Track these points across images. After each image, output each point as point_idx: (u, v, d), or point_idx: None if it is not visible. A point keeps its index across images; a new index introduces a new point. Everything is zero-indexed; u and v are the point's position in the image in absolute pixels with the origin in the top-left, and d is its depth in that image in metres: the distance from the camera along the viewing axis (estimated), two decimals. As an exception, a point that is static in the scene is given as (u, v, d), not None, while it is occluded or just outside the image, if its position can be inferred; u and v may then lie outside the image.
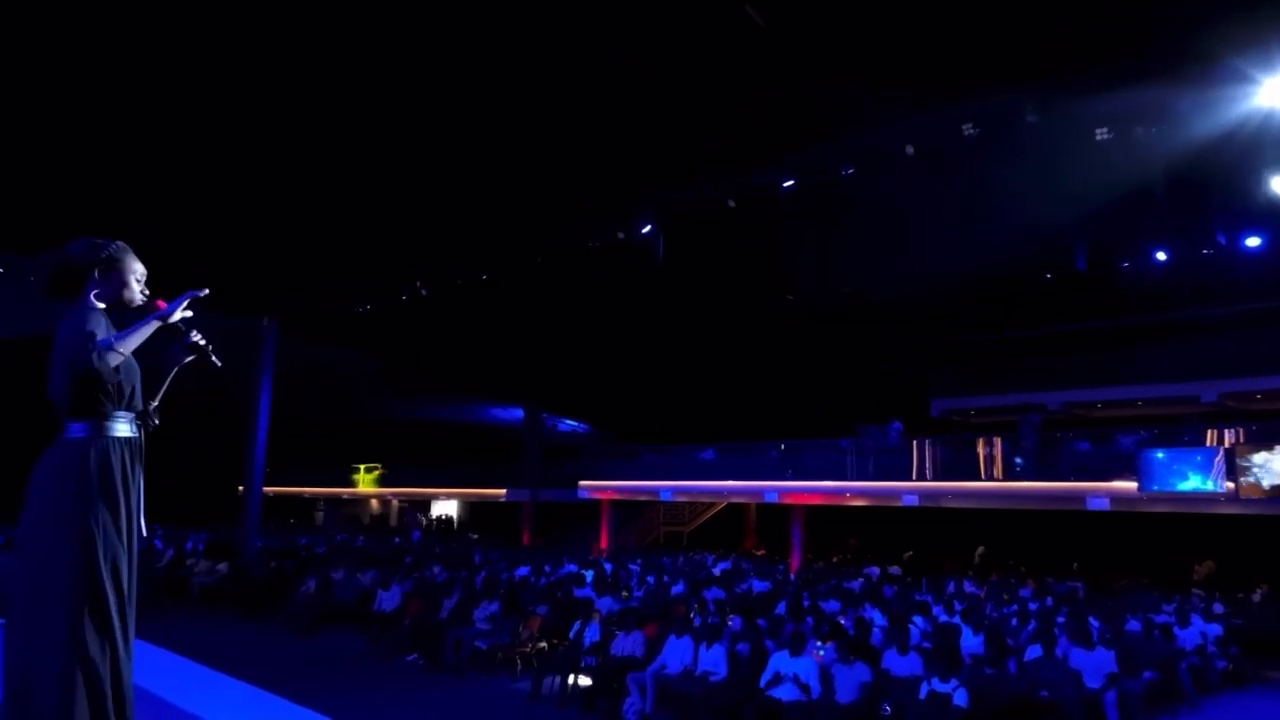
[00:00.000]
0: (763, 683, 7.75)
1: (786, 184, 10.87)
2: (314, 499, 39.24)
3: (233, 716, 3.45)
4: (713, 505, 27.19)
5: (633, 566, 18.37)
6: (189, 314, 2.91)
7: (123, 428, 2.76)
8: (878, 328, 20.85)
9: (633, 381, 25.50)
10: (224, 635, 12.88)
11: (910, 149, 9.55)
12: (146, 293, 2.92)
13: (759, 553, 25.30)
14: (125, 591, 2.62)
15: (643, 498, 24.34)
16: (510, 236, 13.87)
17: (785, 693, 7.48)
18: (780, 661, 7.82)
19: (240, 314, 20.76)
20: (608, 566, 17.80)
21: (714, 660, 8.48)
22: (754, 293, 17.62)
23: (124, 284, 2.86)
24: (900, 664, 7.96)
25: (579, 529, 26.62)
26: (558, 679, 9.44)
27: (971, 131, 9.04)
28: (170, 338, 2.95)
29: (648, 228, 12.32)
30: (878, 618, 10.98)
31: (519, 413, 29.23)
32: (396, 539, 29.95)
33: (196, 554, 19.70)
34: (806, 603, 11.80)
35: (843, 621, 10.13)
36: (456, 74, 11.61)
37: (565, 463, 26.94)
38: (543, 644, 10.96)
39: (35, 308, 21.94)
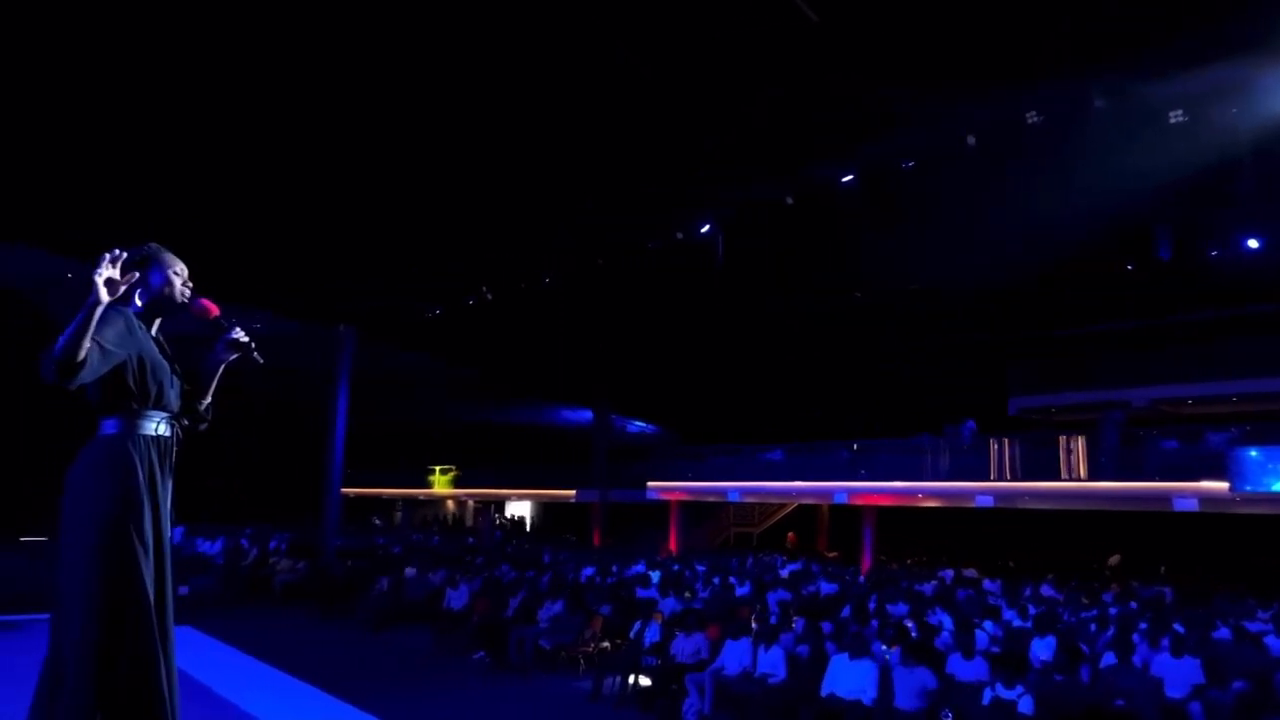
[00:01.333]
0: (822, 686, 7.63)
1: (845, 179, 10.68)
2: (393, 500, 40.30)
3: (281, 712, 3.56)
4: (783, 506, 26.91)
5: (700, 567, 18.31)
6: (237, 332, 3.01)
7: (152, 425, 2.83)
8: (951, 324, 20.33)
9: (701, 382, 25.45)
10: (302, 631, 13.36)
11: (972, 139, 9.27)
12: (190, 287, 3.01)
13: (831, 555, 24.94)
14: (154, 587, 2.69)
15: (710, 499, 24.24)
16: (570, 240, 14.00)
17: (846, 695, 7.36)
18: (840, 664, 7.70)
19: (318, 321, 21.52)
20: (674, 567, 17.80)
21: (772, 662, 8.40)
22: (820, 290, 17.41)
23: (166, 281, 2.94)
24: (965, 669, 7.74)
25: (649, 530, 26.70)
26: (618, 679, 9.47)
27: (1036, 119, 8.72)
28: (214, 336, 3.06)
29: (706, 227, 12.27)
30: (947, 622, 10.71)
31: (588, 414, 29.48)
32: (470, 539, 30.53)
33: (279, 553, 20.45)
34: (873, 606, 11.58)
35: (909, 625, 9.91)
36: (520, 83, 11.78)
37: (634, 464, 27.03)
38: (605, 644, 11.02)
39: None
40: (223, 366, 3.10)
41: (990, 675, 7.13)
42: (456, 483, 34.48)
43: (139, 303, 2.92)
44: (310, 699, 3.84)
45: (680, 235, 12.60)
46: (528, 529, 38.54)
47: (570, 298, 16.88)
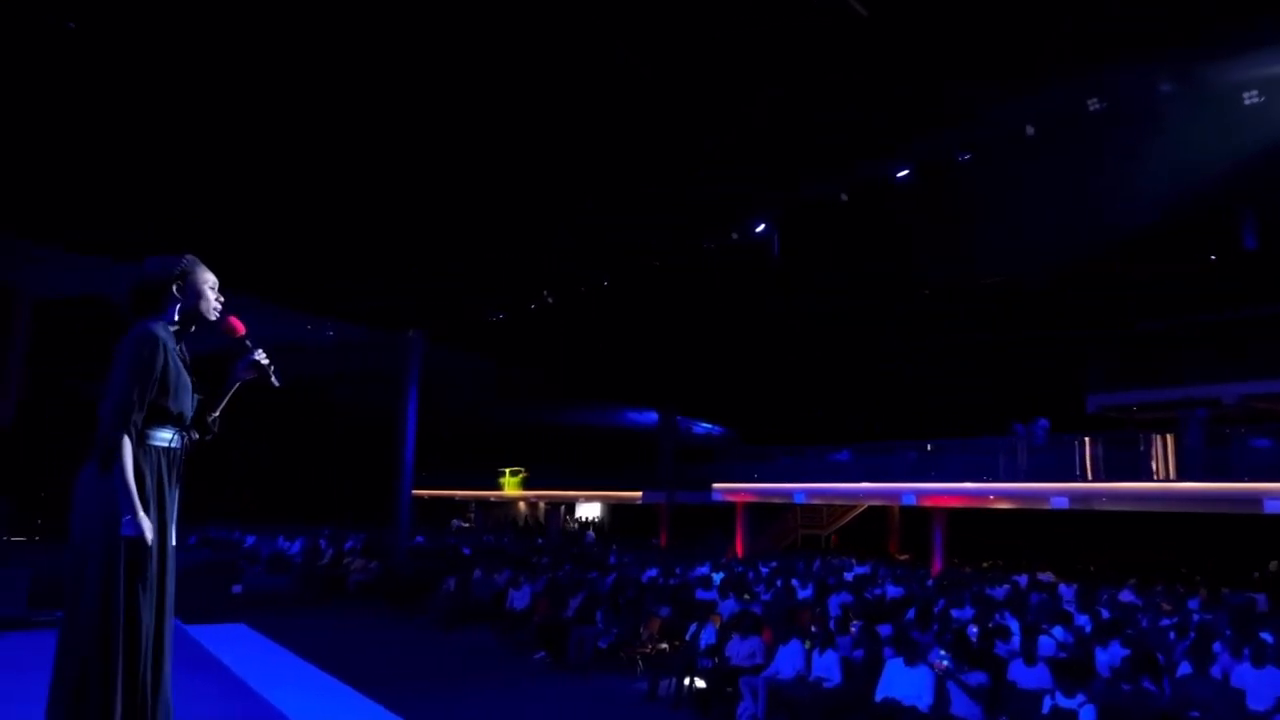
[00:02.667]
0: (876, 691, 7.50)
1: (901, 174, 10.46)
2: (466, 502, 41.12)
3: (313, 712, 3.68)
4: (853, 508, 26.47)
5: (764, 569, 18.17)
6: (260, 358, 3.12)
7: (164, 437, 2.93)
8: (1024, 320, 19.69)
9: (766, 382, 25.24)
10: (370, 630, 13.75)
11: (1031, 129, 8.97)
12: (221, 302, 3.11)
13: (902, 557, 24.43)
14: (157, 590, 2.81)
15: (776, 500, 24.01)
16: (626, 242, 14.07)
17: (902, 700, 7.22)
18: (895, 669, 7.54)
19: (387, 327, 22.12)
20: (738, 569, 17.71)
21: (827, 666, 8.29)
22: (882, 286, 17.09)
23: (200, 295, 3.02)
24: (1027, 675, 7.49)
25: (716, 531, 26.61)
26: (674, 680, 9.48)
27: (1098, 107, 8.39)
28: (236, 354, 3.14)
29: (761, 226, 12.17)
30: (1015, 627, 10.39)
31: (653, 416, 29.56)
32: (539, 539, 30.95)
33: (354, 553, 21.08)
34: (938, 609, 11.31)
35: (973, 630, 9.65)
36: (572, 84, 11.90)
37: (699, 465, 26.98)
38: (663, 645, 11.04)
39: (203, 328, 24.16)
40: (238, 384, 3.19)
41: (1052, 683, 6.88)
42: (526, 485, 35.00)
43: (171, 315, 3.00)
44: (346, 699, 3.96)
45: (735, 235, 12.53)
46: (597, 530, 38.83)
47: (629, 300, 16.95)
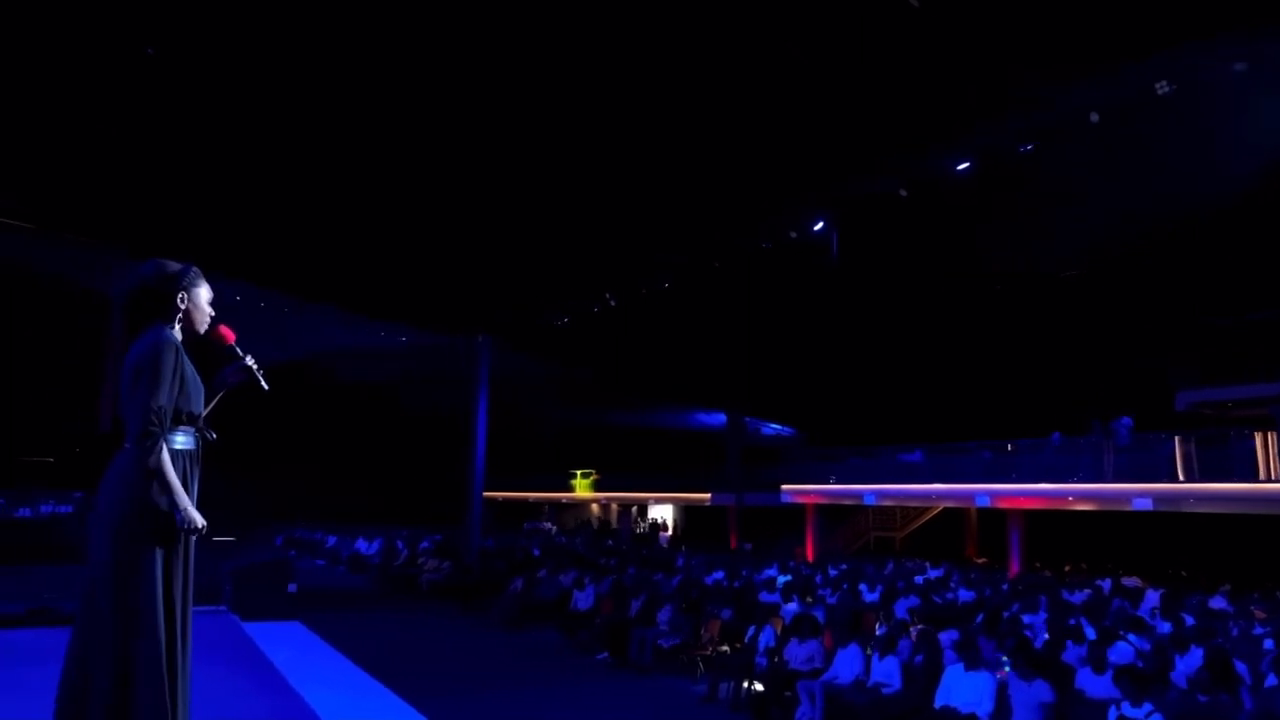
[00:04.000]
0: (936, 697, 7.32)
1: (961, 167, 10.19)
2: (539, 504, 41.69)
3: (346, 711, 3.79)
4: (927, 510, 25.83)
5: (833, 572, 17.89)
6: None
7: (181, 439, 3.06)
8: (1106, 313, 18.91)
9: (835, 382, 24.87)
10: (437, 628, 14.06)
11: (1095, 116, 8.62)
12: (213, 314, 3.26)
13: (979, 561, 23.73)
14: (178, 588, 2.94)
15: (845, 502, 23.60)
16: (685, 244, 14.06)
17: (962, 707, 7.03)
18: (955, 675, 7.35)
19: (457, 332, 22.63)
20: (805, 572, 17.48)
21: (887, 671, 8.12)
22: (954, 281, 16.67)
23: (198, 307, 3.17)
24: (1095, 684, 7.20)
25: (786, 533, 26.34)
26: (733, 683, 9.42)
27: (1166, 89, 8.00)
28: (227, 360, 3.27)
29: (820, 224, 12.01)
30: (1090, 634, 10.00)
31: (722, 417, 29.43)
32: (609, 541, 31.13)
33: (427, 553, 21.59)
34: (1008, 615, 10.96)
35: (1044, 637, 9.33)
36: (634, 93, 11.99)
37: (768, 466, 26.72)
38: (724, 647, 10.98)
39: (285, 337, 25.15)
40: (226, 388, 3.32)
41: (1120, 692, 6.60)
42: (596, 487, 35.27)
43: (178, 323, 3.16)
44: (379, 699, 4.08)
45: (794, 234, 12.39)
46: (668, 532, 38.84)
47: (691, 302, 16.94)
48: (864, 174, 11.15)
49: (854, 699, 7.91)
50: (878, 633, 10.35)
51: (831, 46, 10.25)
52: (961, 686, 7.22)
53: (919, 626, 10.41)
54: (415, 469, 36.45)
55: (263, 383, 3.33)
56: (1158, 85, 7.94)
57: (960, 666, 7.34)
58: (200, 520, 2.97)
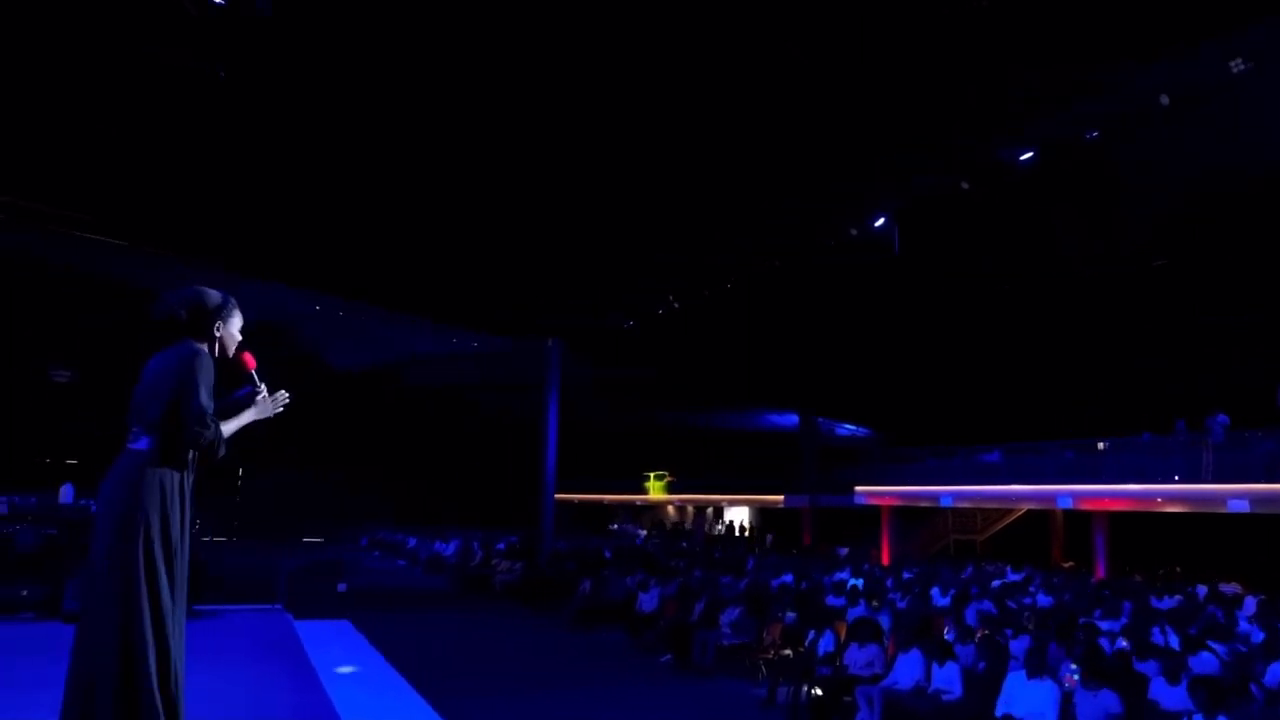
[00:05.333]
0: (997, 706, 7.09)
1: (1025, 157, 9.84)
2: (614, 506, 41.97)
3: (370, 713, 3.89)
4: (1009, 512, 24.95)
5: (907, 575, 17.49)
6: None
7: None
8: (1196, 305, 17.95)
9: (911, 381, 24.31)
10: (508, 628, 14.32)
11: (1165, 99, 8.20)
12: (240, 339, 3.44)
13: (1065, 565, 22.81)
14: (173, 590, 3.08)
15: (921, 504, 23.01)
16: (745, 245, 13.98)
17: (1024, 716, 6.79)
18: (1016, 683, 7.10)
19: (527, 336, 23.00)
20: (878, 575, 17.14)
21: (948, 678, 7.91)
22: (1031, 275, 16.11)
23: (231, 335, 3.39)
24: (1170, 695, 6.85)
25: (863, 536, 25.85)
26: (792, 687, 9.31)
27: (1242, 67, 7.55)
28: (246, 385, 3.44)
29: (881, 220, 11.78)
30: (1175, 642, 9.53)
31: (794, 418, 29.08)
32: (684, 543, 31.11)
33: (501, 555, 22.00)
34: (1085, 621, 10.52)
35: (1121, 643, 8.93)
36: (691, 92, 12.01)
37: (842, 468, 26.26)
38: (787, 650, 10.86)
39: (365, 344, 25.98)
40: (239, 408, 3.48)
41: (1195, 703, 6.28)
42: (670, 489, 35.30)
43: (209, 343, 3.37)
44: (402, 699, 4.19)
45: (854, 232, 12.18)
46: (742, 534, 38.59)
47: (754, 302, 16.82)
48: (925, 167, 10.89)
49: (913, 705, 7.72)
50: (945, 638, 10.07)
51: (889, 39, 10.05)
52: (1023, 695, 6.98)
53: (987, 632, 10.10)
54: (492, 472, 37.15)
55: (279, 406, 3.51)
56: (1233, 63, 7.48)
57: (1023, 674, 7.09)
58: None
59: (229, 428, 3.36)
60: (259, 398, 3.50)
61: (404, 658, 7.68)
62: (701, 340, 22.28)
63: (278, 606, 9.58)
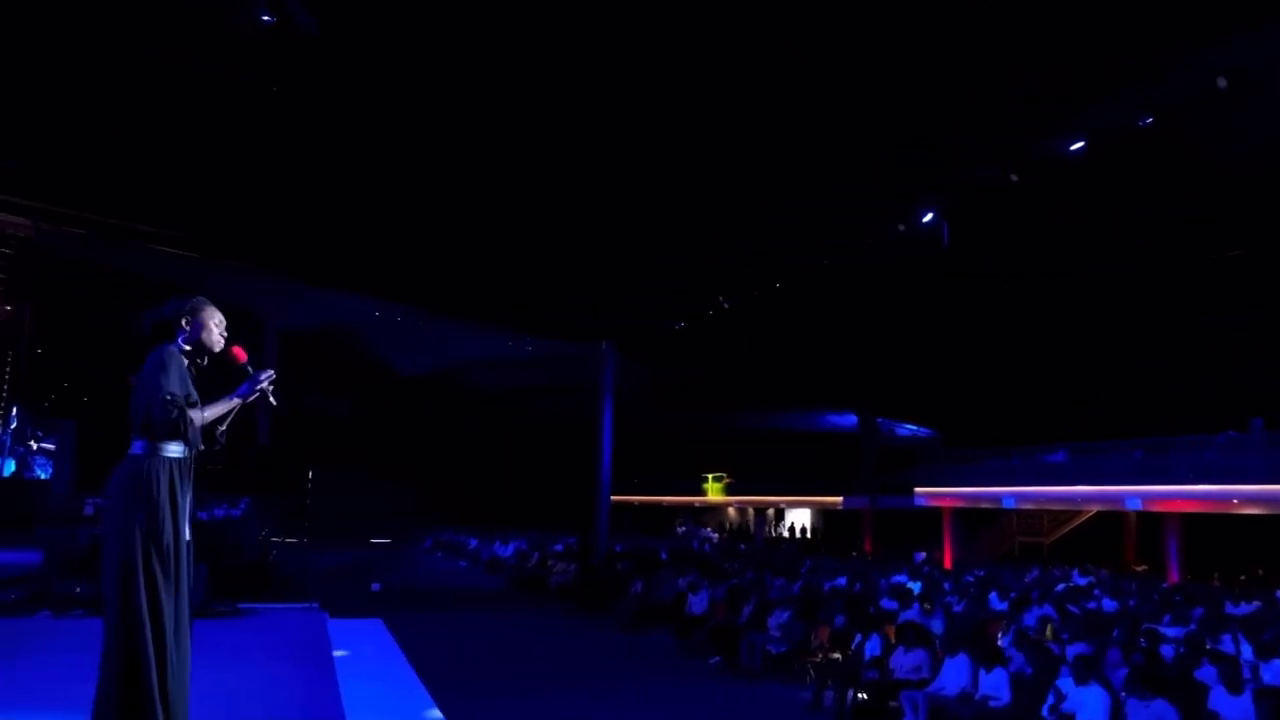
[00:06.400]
0: (1044, 713, 6.88)
1: (1075, 147, 9.51)
2: (673, 508, 41.92)
3: (377, 711, 3.97)
4: (1077, 514, 24.11)
5: (968, 578, 17.07)
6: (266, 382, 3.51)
7: (174, 449, 3.38)
8: (1270, 296, 17.09)
9: (971, 380, 23.73)
10: (559, 629, 14.43)
11: (1223, 82, 7.83)
12: (225, 336, 3.58)
13: (1139, 569, 21.96)
14: (173, 584, 3.20)
15: (983, 505, 22.41)
16: (791, 245, 13.86)
17: (1074, 725, 6.58)
18: (1063, 689, 6.88)
19: (581, 339, 23.18)
20: (938, 578, 16.77)
21: (995, 684, 7.70)
22: (1090, 268, 15.58)
23: (204, 328, 3.55)
24: (1230, 705, 6.55)
25: (925, 538, 25.30)
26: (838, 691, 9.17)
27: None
28: (240, 376, 3.57)
29: (929, 215, 11.53)
30: (1246, 652, 9.11)
31: (853, 418, 28.64)
32: (742, 545, 30.93)
33: (556, 556, 22.18)
34: (1151, 626, 10.13)
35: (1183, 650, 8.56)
36: (734, 87, 11.97)
37: (902, 468, 25.73)
38: (836, 654, 10.70)
39: (426, 349, 26.50)
40: (240, 402, 3.60)
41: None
42: (729, 490, 35.12)
43: (186, 347, 3.52)
44: (413, 699, 4.26)
45: (902, 227, 11.96)
46: (803, 536, 38.14)
47: (807, 302, 16.64)
48: (971, 161, 10.62)
49: (959, 711, 7.55)
50: (1000, 643, 9.81)
51: (932, 30, 9.85)
52: (1071, 702, 6.76)
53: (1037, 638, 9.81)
54: (551, 474, 37.51)
55: (272, 399, 3.62)
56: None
57: (1071, 680, 6.87)
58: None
59: (211, 412, 3.51)
60: (263, 389, 3.63)
61: (440, 657, 7.84)
62: (756, 341, 22.14)
63: (314, 605, 9.89)
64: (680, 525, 41.33)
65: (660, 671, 11.26)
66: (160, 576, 3.21)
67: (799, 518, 41.09)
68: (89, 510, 23.06)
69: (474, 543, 28.89)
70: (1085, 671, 6.79)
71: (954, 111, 10.22)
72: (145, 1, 9.95)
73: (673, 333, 21.18)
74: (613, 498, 24.75)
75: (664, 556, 23.43)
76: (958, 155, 10.69)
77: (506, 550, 25.31)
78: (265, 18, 9.37)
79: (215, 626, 8.53)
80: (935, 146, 10.80)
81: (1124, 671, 7.59)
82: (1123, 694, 6.82)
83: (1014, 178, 10.32)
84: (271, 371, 3.63)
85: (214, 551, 16.81)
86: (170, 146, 15.94)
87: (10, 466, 29.05)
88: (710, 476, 35.91)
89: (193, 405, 3.45)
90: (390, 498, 36.33)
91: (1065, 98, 9.11)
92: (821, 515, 39.72)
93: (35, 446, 30.22)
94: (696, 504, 38.82)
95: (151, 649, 3.12)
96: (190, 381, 3.54)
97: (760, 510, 36.94)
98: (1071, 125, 9.36)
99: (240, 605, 9.80)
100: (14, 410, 29.11)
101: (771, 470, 32.69)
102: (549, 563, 21.37)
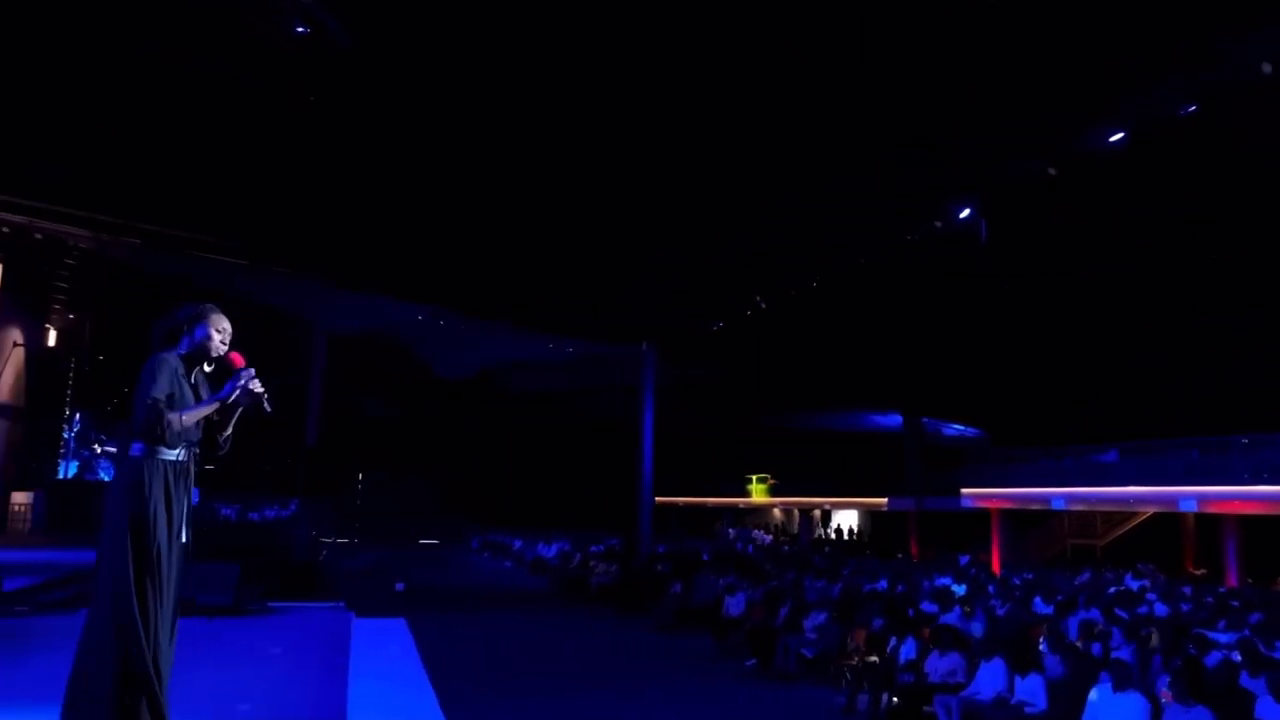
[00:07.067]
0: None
1: (1114, 138, 9.25)
2: (718, 509, 41.74)
3: (379, 711, 4.03)
4: (1132, 516, 23.38)
5: (1015, 581, 16.69)
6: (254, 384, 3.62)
7: (171, 453, 3.48)
8: None
9: (1019, 378, 23.20)
10: (597, 630, 14.50)
11: (1268, 67, 7.53)
12: (226, 343, 3.69)
13: (1197, 573, 21.26)
14: (161, 583, 3.31)
15: (1032, 506, 21.86)
16: (827, 244, 13.72)
17: (1111, 733, 6.40)
18: (1102, 696, 6.69)
19: (621, 341, 23.22)
20: (983, 580, 16.43)
21: (1031, 690, 7.53)
22: (1140, 262, 15.15)
23: (207, 336, 3.66)
24: (1277, 714, 6.31)
25: (972, 540, 24.79)
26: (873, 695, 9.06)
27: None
28: (233, 382, 3.66)
29: (966, 211, 11.33)
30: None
31: (898, 419, 28.21)
32: (786, 547, 30.65)
33: (598, 557, 22.26)
34: (1198, 631, 9.80)
35: (1235, 657, 8.27)
36: (766, 81, 11.91)
37: (948, 469, 25.24)
38: (873, 657, 10.55)
39: (469, 353, 26.81)
40: (240, 408, 3.69)
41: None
42: (772, 492, 34.86)
43: (186, 352, 3.63)
44: (419, 699, 4.32)
45: (939, 224, 11.75)
46: (850, 537, 37.68)
47: (844, 301, 16.46)
48: (1008, 154, 10.39)
49: (993, 717, 7.40)
50: (1041, 648, 9.59)
51: (966, 21, 9.68)
52: (1109, 709, 6.58)
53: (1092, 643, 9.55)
54: (595, 476, 37.67)
55: (267, 405, 3.70)
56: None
57: (1108, 687, 6.68)
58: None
59: (189, 415, 3.57)
60: (241, 389, 3.69)
61: (475, 657, 7.91)
62: (797, 341, 21.96)
63: (340, 604, 10.08)
64: (726, 528, 41.09)
65: (693, 673, 11.22)
66: (148, 575, 3.31)
67: (846, 519, 40.57)
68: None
69: (519, 544, 29.15)
70: (1124, 678, 6.60)
71: (989, 105, 10.02)
72: (187, 16, 10.26)
73: (712, 333, 21.12)
74: (657, 499, 24.74)
75: (705, 557, 23.36)
76: (994, 149, 10.47)
77: (550, 551, 25.48)
78: (299, 29, 9.60)
79: (241, 624, 8.72)
80: (970, 141, 10.59)
81: (1165, 677, 7.37)
82: (1164, 700, 6.63)
83: (1052, 171, 10.08)
84: (251, 370, 3.69)
85: (262, 551, 17.27)
86: (220, 158, 16.42)
87: (74, 468, 30.20)
88: (754, 478, 35.69)
89: (174, 409, 3.53)
90: (437, 499, 36.87)
91: (1105, 87, 8.86)
92: (869, 517, 39.18)
93: (99, 450, 31.42)
94: (740, 505, 38.61)
95: (138, 647, 3.22)
96: (187, 386, 3.63)
97: (805, 511, 36.59)
98: (1112, 116, 9.09)
99: (271, 604, 10.03)
100: (77, 415, 30.24)
101: (816, 471, 32.37)
102: (590, 564, 21.46)
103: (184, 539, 3.54)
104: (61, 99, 14.54)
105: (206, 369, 3.74)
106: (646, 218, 16.35)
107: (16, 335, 26.35)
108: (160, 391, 3.45)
